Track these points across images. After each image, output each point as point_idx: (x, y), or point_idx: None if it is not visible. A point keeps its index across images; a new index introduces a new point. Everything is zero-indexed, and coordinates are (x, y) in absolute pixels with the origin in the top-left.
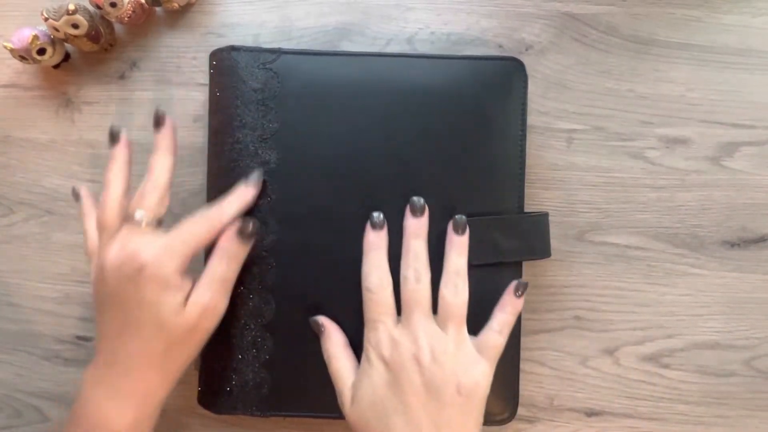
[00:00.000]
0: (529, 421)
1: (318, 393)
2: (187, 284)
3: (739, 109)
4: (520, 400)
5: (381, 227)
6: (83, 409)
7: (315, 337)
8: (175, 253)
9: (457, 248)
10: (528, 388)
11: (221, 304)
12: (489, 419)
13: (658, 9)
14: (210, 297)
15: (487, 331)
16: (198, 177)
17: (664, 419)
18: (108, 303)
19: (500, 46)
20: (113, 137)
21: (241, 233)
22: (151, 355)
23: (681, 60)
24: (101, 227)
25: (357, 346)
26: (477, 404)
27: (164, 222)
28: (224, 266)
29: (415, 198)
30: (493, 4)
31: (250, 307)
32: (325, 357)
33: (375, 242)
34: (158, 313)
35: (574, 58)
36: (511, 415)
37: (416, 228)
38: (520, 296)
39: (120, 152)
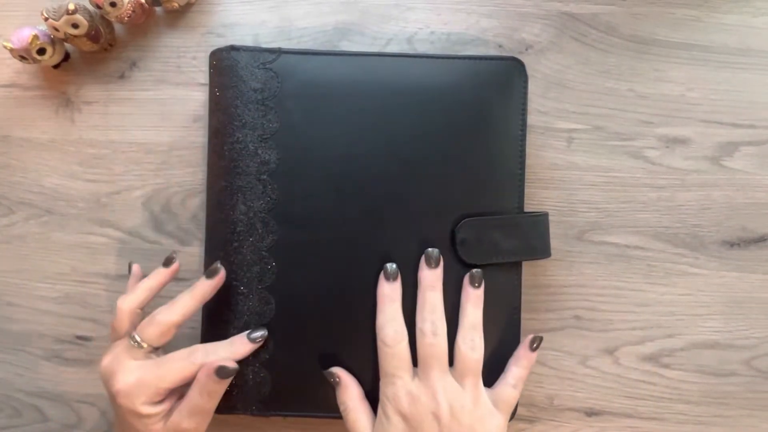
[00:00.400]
0: (529, 420)
1: (318, 393)
2: (161, 408)
3: (739, 109)
4: (521, 400)
5: (395, 278)
6: None
7: (315, 336)
8: (147, 389)
9: (474, 301)
10: (528, 387)
11: (200, 430)
12: None
13: (658, 9)
14: (186, 425)
15: (503, 386)
16: (198, 177)
17: (664, 419)
18: (109, 394)
19: (500, 46)
20: (167, 262)
21: (219, 373)
22: None
23: (681, 60)
24: (111, 325)
25: (353, 345)
26: None
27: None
28: (203, 399)
29: (429, 249)
30: (493, 4)
31: (250, 307)
32: (342, 409)
33: (389, 294)
34: (135, 427)
35: (573, 58)
36: (511, 415)
37: (432, 280)
38: (534, 350)
39: (163, 276)
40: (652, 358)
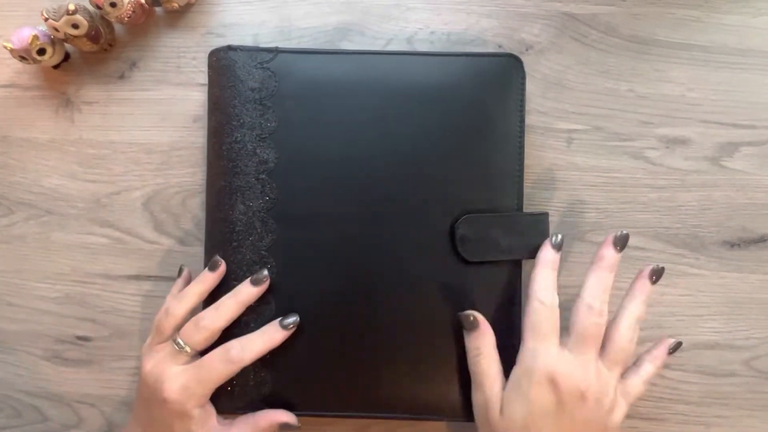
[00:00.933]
0: None
1: (318, 392)
2: (208, 414)
3: (739, 109)
4: None
5: (559, 249)
6: None
7: (314, 335)
8: (194, 394)
9: (647, 294)
10: None
11: None
12: None
13: (658, 9)
14: None
15: (637, 380)
16: (198, 177)
17: (664, 419)
18: (144, 396)
19: (500, 46)
20: (212, 266)
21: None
22: None
23: (681, 60)
24: (156, 327)
25: (353, 344)
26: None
27: None
28: None
29: (621, 231)
30: (493, 4)
31: (250, 307)
32: (473, 353)
33: (553, 262)
34: (175, 429)
35: (573, 58)
36: None
37: (613, 261)
38: (671, 353)
39: (211, 280)
40: None
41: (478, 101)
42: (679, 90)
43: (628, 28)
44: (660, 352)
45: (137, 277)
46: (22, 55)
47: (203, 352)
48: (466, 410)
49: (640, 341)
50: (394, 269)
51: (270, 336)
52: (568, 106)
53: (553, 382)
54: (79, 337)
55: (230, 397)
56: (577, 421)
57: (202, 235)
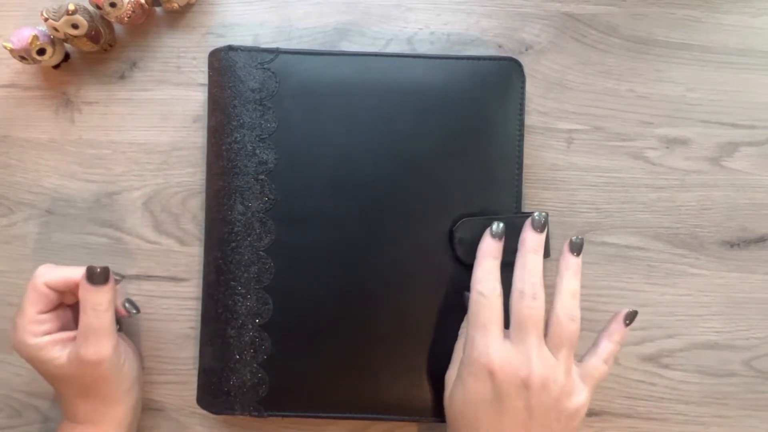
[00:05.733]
0: None
1: (316, 393)
2: (44, 330)
3: (739, 109)
4: None
5: (500, 238)
6: None
7: (313, 336)
8: (21, 323)
9: (574, 269)
10: None
11: (101, 353)
12: None
13: (658, 9)
14: (85, 352)
15: (595, 360)
16: (198, 177)
17: (664, 419)
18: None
19: (500, 47)
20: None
21: (89, 279)
22: (73, 399)
23: (681, 60)
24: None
25: (351, 345)
26: (566, 416)
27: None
28: (90, 317)
29: (537, 214)
30: (493, 4)
31: (248, 308)
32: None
33: (492, 251)
34: (41, 368)
35: (574, 58)
36: None
37: (537, 243)
38: (628, 325)
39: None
40: (652, 359)
41: (477, 104)
42: (679, 90)
43: (628, 28)
44: (616, 326)
45: (137, 277)
46: (22, 55)
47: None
48: None
49: (641, 340)
50: (393, 271)
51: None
52: (568, 106)
53: (490, 373)
54: None
55: (228, 398)
56: (530, 409)
57: (202, 235)
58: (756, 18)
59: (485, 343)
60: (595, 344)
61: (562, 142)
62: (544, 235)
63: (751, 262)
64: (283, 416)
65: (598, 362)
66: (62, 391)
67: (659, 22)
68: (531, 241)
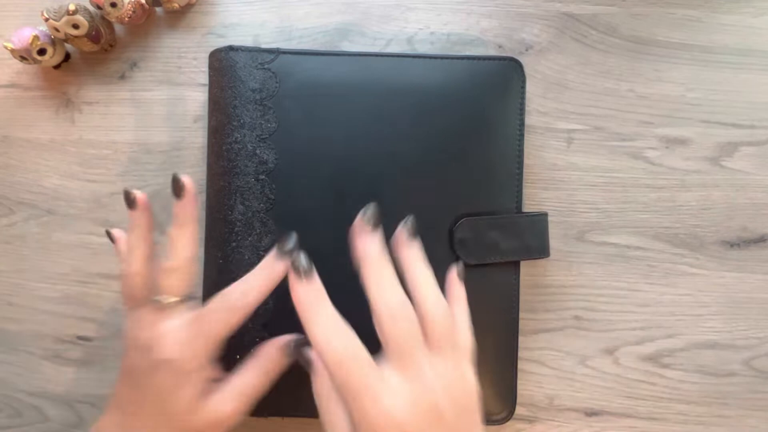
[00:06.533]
0: (529, 420)
1: None
2: (206, 377)
3: (739, 109)
4: (520, 400)
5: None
6: None
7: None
8: (197, 352)
9: (416, 256)
10: (527, 387)
11: (240, 416)
12: (487, 419)
13: (658, 9)
14: (231, 409)
15: (466, 332)
16: (198, 177)
17: (664, 419)
18: (131, 367)
19: (500, 47)
20: (130, 202)
21: (295, 350)
22: None
23: (681, 60)
24: (125, 296)
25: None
26: (478, 410)
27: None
28: (259, 380)
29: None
30: (493, 4)
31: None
32: (316, 402)
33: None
34: (171, 405)
35: (574, 58)
36: (509, 414)
37: (376, 252)
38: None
39: (139, 218)
40: (652, 359)
41: (478, 104)
42: (679, 90)
43: (628, 28)
44: (458, 290)
45: None
46: (23, 55)
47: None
48: None
49: (641, 340)
50: None
51: (270, 269)
52: (569, 106)
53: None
54: (80, 337)
55: None
56: (447, 425)
57: (202, 235)
58: (756, 18)
59: (379, 405)
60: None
61: (562, 142)
62: (379, 234)
63: (751, 262)
64: (283, 417)
65: (466, 332)
66: (151, 422)
67: (659, 22)
68: (371, 252)
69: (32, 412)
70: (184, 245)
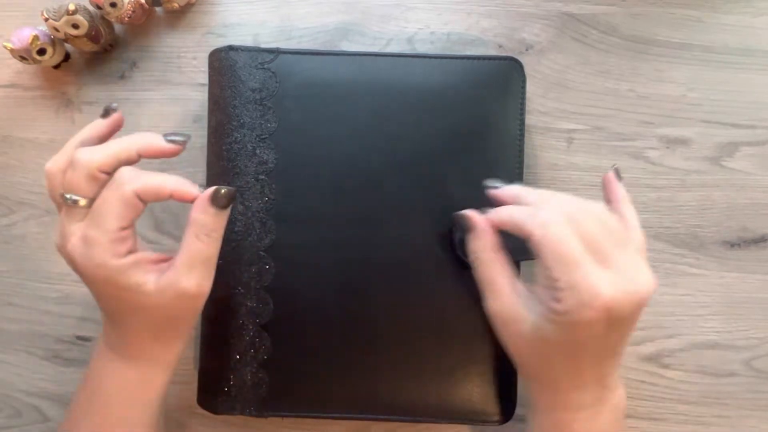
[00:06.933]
0: None
1: (316, 393)
2: (132, 259)
3: (739, 109)
4: (520, 400)
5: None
6: (92, 369)
7: (313, 336)
8: (96, 243)
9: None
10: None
11: (205, 285)
12: (486, 419)
13: (658, 9)
14: (189, 281)
15: (635, 229)
16: (198, 177)
17: (664, 419)
18: (79, 276)
19: (500, 46)
20: (106, 113)
21: (215, 201)
22: (140, 333)
23: (681, 60)
24: (51, 199)
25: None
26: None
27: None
28: (202, 243)
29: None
30: (493, 4)
31: (248, 308)
32: (472, 258)
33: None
34: (123, 299)
35: (574, 58)
36: (509, 415)
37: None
38: (620, 180)
39: (98, 127)
40: (652, 358)
41: (478, 104)
42: (679, 90)
43: (628, 28)
44: (619, 188)
45: None
46: (23, 55)
47: None
48: (464, 412)
49: (641, 340)
50: (393, 271)
51: (149, 142)
52: (569, 106)
53: (606, 310)
54: (79, 337)
55: (228, 398)
56: (633, 321)
57: None
58: (756, 18)
59: (587, 281)
60: (621, 215)
61: (562, 141)
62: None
63: (751, 262)
64: (283, 416)
65: (638, 230)
66: (131, 322)
67: (659, 22)
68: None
69: (32, 412)
70: (104, 151)
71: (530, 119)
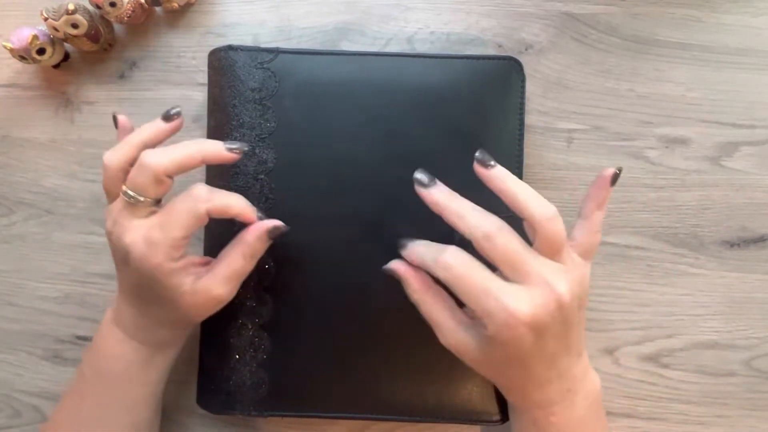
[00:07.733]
0: None
1: (316, 393)
2: (182, 263)
3: (739, 109)
4: None
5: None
6: (99, 340)
7: (312, 336)
8: (159, 245)
9: (506, 174)
10: None
11: (230, 296)
12: (486, 419)
13: (658, 9)
14: (222, 290)
15: (589, 234)
16: (198, 177)
17: (664, 419)
18: (117, 264)
19: (500, 46)
20: (167, 118)
21: (271, 233)
22: (158, 322)
23: (681, 60)
24: (105, 189)
25: (351, 346)
26: (585, 308)
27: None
28: (245, 262)
29: (415, 174)
30: (492, 4)
31: (248, 308)
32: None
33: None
34: (161, 295)
35: (574, 58)
36: (508, 415)
37: (448, 193)
38: (612, 186)
39: (160, 132)
40: (652, 358)
41: (477, 104)
42: (679, 90)
43: (628, 28)
44: (604, 192)
45: None
46: (22, 55)
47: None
48: (464, 412)
49: (641, 340)
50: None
51: (212, 151)
52: (569, 106)
53: (528, 327)
54: (79, 337)
55: (228, 398)
56: (566, 322)
57: (202, 235)
58: (756, 18)
59: (500, 303)
60: (584, 215)
61: (562, 141)
62: (442, 187)
63: (751, 262)
64: (282, 416)
65: (594, 235)
66: (155, 312)
67: (659, 22)
68: (440, 197)
69: (32, 412)
70: (171, 156)
71: (530, 119)
